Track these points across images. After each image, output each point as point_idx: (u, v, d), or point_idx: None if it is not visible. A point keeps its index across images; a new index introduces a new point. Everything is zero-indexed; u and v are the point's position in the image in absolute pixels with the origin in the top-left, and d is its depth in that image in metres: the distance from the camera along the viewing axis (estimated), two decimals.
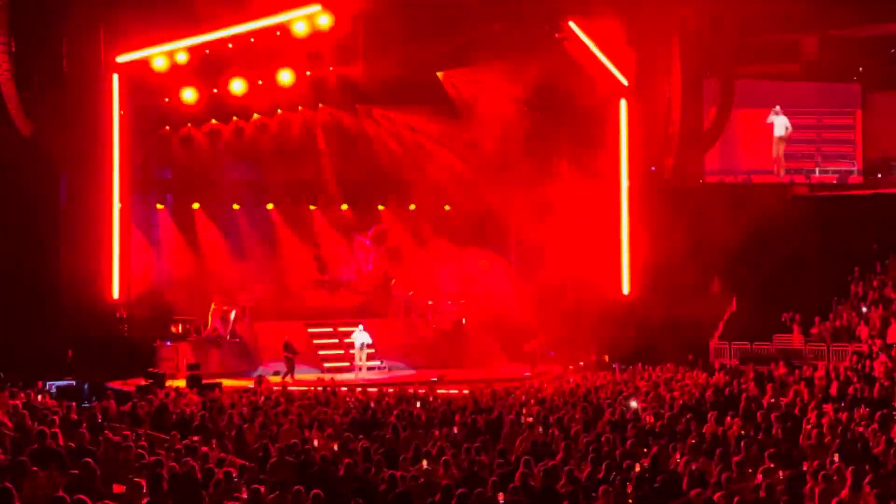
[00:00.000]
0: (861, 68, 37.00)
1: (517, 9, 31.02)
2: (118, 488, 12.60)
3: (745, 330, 32.79)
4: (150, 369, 29.45)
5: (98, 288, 30.33)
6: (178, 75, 30.75)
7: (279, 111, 34.84)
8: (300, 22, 30.10)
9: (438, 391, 26.22)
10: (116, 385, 27.43)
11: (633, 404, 20.57)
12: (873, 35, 36.16)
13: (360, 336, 32.68)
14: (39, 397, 20.63)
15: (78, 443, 14.77)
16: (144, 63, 30.19)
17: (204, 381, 27.40)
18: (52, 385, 25.89)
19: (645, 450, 15.77)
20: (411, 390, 24.95)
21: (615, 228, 34.22)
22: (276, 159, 36.13)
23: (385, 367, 33.16)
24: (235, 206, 36.21)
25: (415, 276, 37.26)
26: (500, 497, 12.79)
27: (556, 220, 33.98)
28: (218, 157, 35.94)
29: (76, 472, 12.39)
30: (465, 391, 25.52)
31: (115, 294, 30.56)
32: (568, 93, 33.49)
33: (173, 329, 32.81)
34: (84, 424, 16.90)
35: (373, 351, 33.36)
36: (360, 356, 32.52)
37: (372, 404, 21.73)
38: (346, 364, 32.83)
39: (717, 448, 15.35)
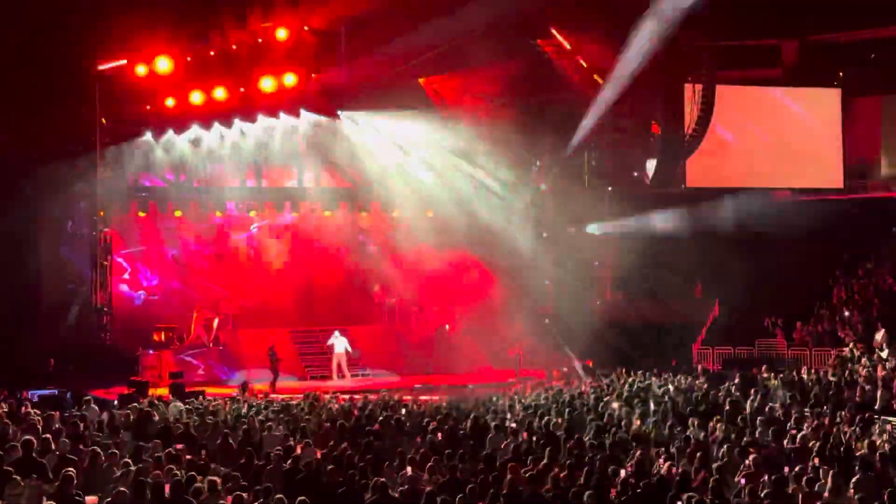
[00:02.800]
0: (841, 73, 37.18)
1: (499, 15, 31.04)
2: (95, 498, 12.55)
3: (728, 334, 32.89)
4: (133, 378, 29.33)
5: (80, 296, 30.24)
6: (159, 82, 30.69)
7: (261, 117, 34.76)
8: (281, 29, 30.16)
9: (422, 397, 26.20)
10: (99, 394, 27.29)
11: (616, 411, 20.61)
12: (853, 40, 36.35)
13: (338, 342, 32.65)
14: (23, 409, 20.50)
15: (60, 452, 14.71)
16: (126, 70, 30.12)
17: (187, 390, 27.31)
18: (34, 394, 25.75)
19: (628, 455, 15.78)
20: (395, 397, 24.91)
21: (598, 233, 34.33)
22: (258, 166, 36.12)
23: (368, 374, 33.16)
24: (218, 214, 36.12)
25: (398, 282, 37.24)
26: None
27: (539, 226, 34.05)
28: (200, 165, 35.87)
29: (59, 481, 12.34)
30: (450, 397, 25.50)
31: (97, 302, 30.44)
32: (550, 99, 33.57)
33: (156, 337, 32.69)
34: (66, 433, 16.82)
35: (357, 354, 33.43)
36: (339, 362, 32.48)
37: (356, 411, 21.69)
38: (331, 372, 32.84)
39: (701, 453, 15.39)
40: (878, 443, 16.56)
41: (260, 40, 30.58)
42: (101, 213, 31.35)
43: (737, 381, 25.63)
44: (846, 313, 32.05)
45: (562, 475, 14.03)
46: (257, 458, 15.57)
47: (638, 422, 19.28)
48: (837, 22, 34.85)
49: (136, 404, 22.61)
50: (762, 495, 12.81)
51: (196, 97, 32.02)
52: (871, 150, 37.82)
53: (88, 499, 12.46)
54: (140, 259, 35.48)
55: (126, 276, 35.01)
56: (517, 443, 17.20)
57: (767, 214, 35.41)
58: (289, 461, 15.12)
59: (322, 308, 36.39)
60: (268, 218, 37.09)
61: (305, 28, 30.67)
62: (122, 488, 12.31)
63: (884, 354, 27.35)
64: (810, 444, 16.26)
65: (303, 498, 12.26)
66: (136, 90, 30.81)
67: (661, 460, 15.36)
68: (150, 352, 31.86)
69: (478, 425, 19.13)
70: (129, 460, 14.55)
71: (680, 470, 14.27)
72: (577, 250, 35.72)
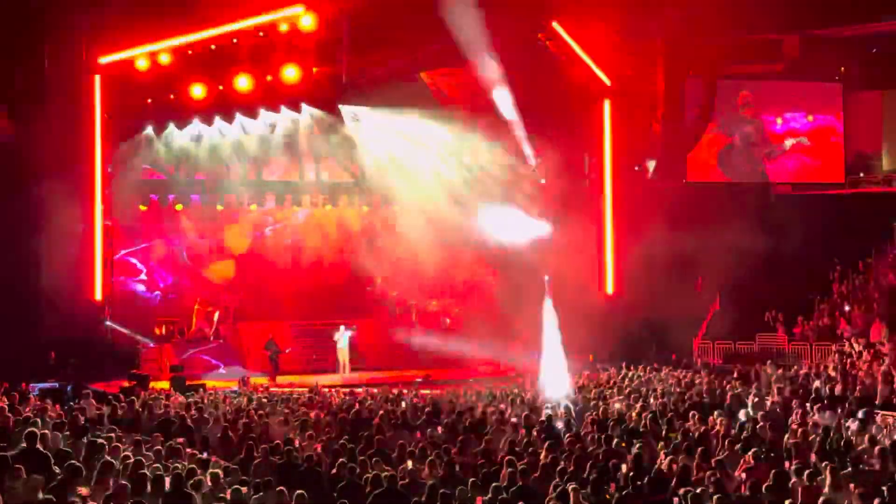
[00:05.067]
0: (842, 68, 37.13)
1: (502, 9, 31.00)
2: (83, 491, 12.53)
3: (729, 329, 32.86)
4: (134, 371, 29.36)
5: (80, 290, 30.24)
6: (160, 77, 30.64)
7: (262, 111, 34.72)
8: (283, 23, 30.11)
9: (423, 391, 26.22)
10: (100, 387, 27.33)
11: (616, 406, 20.63)
12: (854, 35, 36.28)
13: (343, 336, 32.68)
14: (28, 409, 20.46)
15: (61, 444, 14.71)
16: (127, 64, 30.07)
17: (188, 383, 27.34)
18: (35, 387, 25.78)
19: (629, 449, 15.79)
20: (395, 390, 24.95)
21: (599, 228, 34.32)
22: (260, 160, 36.11)
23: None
24: (219, 207, 36.12)
25: (399, 276, 37.24)
26: (480, 499, 12.80)
27: (539, 219, 34.03)
28: (201, 159, 35.87)
29: (59, 473, 12.35)
30: (450, 391, 25.52)
31: (98, 296, 30.47)
32: (552, 93, 33.54)
33: (157, 330, 32.73)
34: (67, 426, 16.83)
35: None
36: (343, 357, 32.50)
37: (356, 404, 21.71)
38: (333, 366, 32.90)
39: (701, 447, 15.39)
40: (878, 437, 16.57)
41: (261, 34, 30.51)
42: (102, 207, 31.32)
43: (737, 375, 25.64)
44: (846, 308, 32.05)
45: (561, 469, 14.04)
46: (257, 452, 15.57)
47: (638, 416, 19.29)
48: (839, 16, 34.79)
49: (136, 397, 22.66)
50: (763, 490, 12.82)
51: (197, 91, 31.99)
52: (873, 145, 37.80)
53: (86, 491, 12.46)
54: (152, 258, 35.56)
55: (143, 276, 35.09)
56: (517, 437, 17.21)
57: (768, 209, 35.42)
58: (289, 454, 15.12)
59: (323, 302, 36.39)
60: (266, 211, 37.15)
61: (305, 23, 30.52)
62: (123, 481, 12.30)
63: (884, 349, 27.35)
64: (810, 439, 16.26)
65: (301, 491, 12.27)
66: (137, 84, 30.75)
67: (661, 455, 15.36)
68: (151, 345, 31.90)
69: (478, 419, 19.15)
70: (130, 453, 14.56)
71: (680, 464, 14.27)
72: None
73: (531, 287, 34.42)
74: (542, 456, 15.03)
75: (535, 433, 17.71)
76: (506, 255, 36.28)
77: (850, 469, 13.92)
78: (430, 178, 35.77)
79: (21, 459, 12.60)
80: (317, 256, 37.63)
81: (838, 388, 22.90)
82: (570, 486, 12.58)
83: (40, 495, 11.44)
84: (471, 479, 13.30)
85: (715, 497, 12.28)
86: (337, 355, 32.77)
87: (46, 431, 15.38)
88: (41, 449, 13.56)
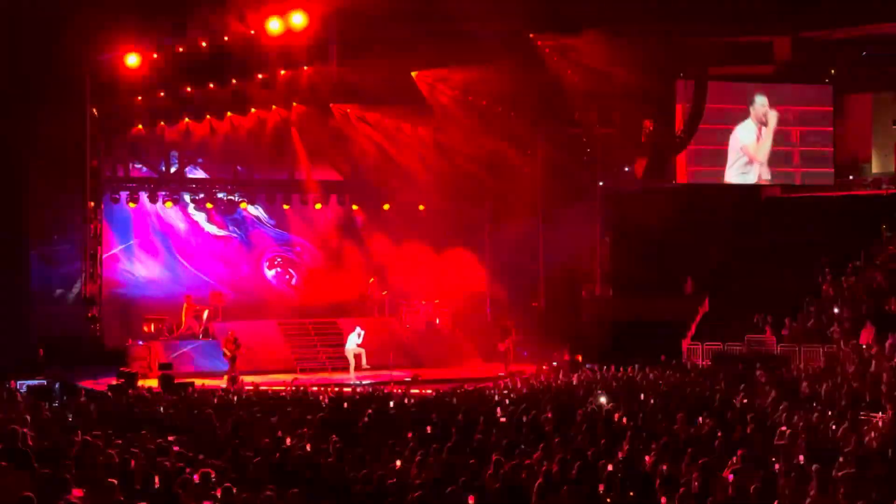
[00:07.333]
0: (833, 70, 37.21)
1: (493, 8, 31.00)
2: (78, 490, 12.50)
3: (718, 330, 32.91)
4: (123, 369, 29.30)
5: (69, 287, 30.19)
6: (151, 74, 30.59)
7: (253, 110, 34.74)
8: (274, 21, 30.04)
9: (412, 391, 26.22)
10: (88, 384, 27.28)
11: (602, 400, 20.68)
12: (846, 37, 36.38)
13: (354, 338, 32.62)
14: (18, 409, 20.38)
15: (49, 442, 14.68)
16: (118, 61, 30.01)
17: (176, 381, 27.29)
18: (23, 384, 25.72)
19: (616, 450, 15.79)
20: (385, 390, 24.93)
21: (589, 229, 34.37)
22: (250, 158, 36.11)
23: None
24: (209, 205, 36.11)
25: (388, 275, 37.25)
26: (472, 498, 12.80)
27: (530, 220, 34.08)
28: (191, 157, 35.87)
29: (47, 471, 12.32)
30: (439, 391, 25.53)
31: (87, 293, 30.40)
32: (542, 93, 33.58)
33: (145, 328, 32.68)
34: (55, 424, 16.79)
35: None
36: (353, 357, 32.49)
37: (345, 404, 21.70)
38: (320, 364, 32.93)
39: (689, 449, 15.40)
40: (865, 439, 16.61)
41: (253, 32, 30.47)
42: (92, 205, 31.28)
43: (725, 376, 25.66)
44: (835, 310, 32.09)
45: (550, 469, 14.04)
46: (246, 451, 15.54)
47: (626, 417, 19.30)
48: (830, 18, 34.87)
49: (124, 395, 22.62)
50: (750, 491, 12.83)
51: (188, 89, 31.97)
52: (863, 148, 37.89)
53: (75, 490, 12.43)
54: (141, 255, 35.51)
55: (132, 273, 35.07)
56: (506, 437, 17.20)
57: (758, 210, 35.48)
58: (278, 454, 15.10)
59: (312, 301, 36.40)
60: (259, 211, 37.16)
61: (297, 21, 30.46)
62: (111, 480, 12.27)
63: (873, 351, 27.42)
64: (798, 441, 16.29)
65: (291, 491, 12.25)
66: (127, 81, 30.68)
67: (648, 455, 15.37)
68: (140, 343, 31.85)
69: (467, 419, 19.15)
70: (118, 451, 14.52)
71: (667, 466, 14.28)
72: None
73: (523, 285, 34.60)
74: (530, 456, 15.03)
75: (523, 433, 17.72)
76: (497, 254, 36.40)
77: (837, 471, 13.94)
78: (422, 177, 35.79)
79: (4, 458, 12.57)
80: (306, 255, 37.63)
81: (826, 390, 22.95)
82: (575, 488, 12.59)
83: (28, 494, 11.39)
84: (461, 479, 13.28)
85: (702, 499, 12.30)
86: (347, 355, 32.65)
87: (31, 430, 15.37)
88: (23, 447, 13.52)
